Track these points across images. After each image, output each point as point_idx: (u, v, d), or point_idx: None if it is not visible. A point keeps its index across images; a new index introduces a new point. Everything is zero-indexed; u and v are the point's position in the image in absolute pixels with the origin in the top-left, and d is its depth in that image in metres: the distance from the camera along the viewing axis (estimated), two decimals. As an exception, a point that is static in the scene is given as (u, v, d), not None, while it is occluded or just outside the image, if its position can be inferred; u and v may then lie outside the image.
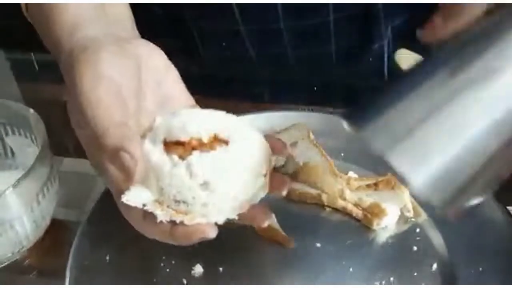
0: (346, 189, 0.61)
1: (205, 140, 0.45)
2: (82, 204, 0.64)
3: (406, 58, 0.44)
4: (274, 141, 0.49)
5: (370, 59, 0.81)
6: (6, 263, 0.59)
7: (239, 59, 0.83)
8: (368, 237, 0.60)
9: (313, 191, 0.63)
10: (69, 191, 0.65)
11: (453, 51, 0.40)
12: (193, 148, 0.44)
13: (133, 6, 0.56)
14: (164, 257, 0.58)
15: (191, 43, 0.82)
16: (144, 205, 0.44)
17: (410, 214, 0.60)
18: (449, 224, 0.58)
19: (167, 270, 0.57)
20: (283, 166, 0.65)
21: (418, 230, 0.59)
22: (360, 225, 0.61)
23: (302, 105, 0.74)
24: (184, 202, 0.44)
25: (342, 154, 0.67)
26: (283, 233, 0.59)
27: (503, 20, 0.39)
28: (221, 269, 0.57)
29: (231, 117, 0.47)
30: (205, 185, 0.44)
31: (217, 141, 0.45)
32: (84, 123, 0.45)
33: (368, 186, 0.62)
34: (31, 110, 0.62)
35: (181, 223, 0.44)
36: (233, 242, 0.59)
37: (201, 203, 0.44)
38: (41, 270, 0.61)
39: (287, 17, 0.76)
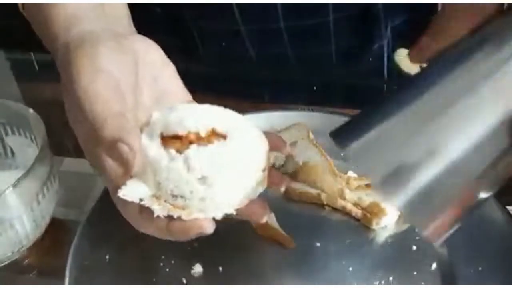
0: (346, 189, 0.61)
1: (203, 134, 0.44)
2: (82, 204, 0.64)
3: (406, 58, 0.44)
4: (273, 138, 0.49)
5: (370, 59, 0.81)
6: (6, 263, 0.59)
7: (239, 59, 0.83)
8: (368, 236, 0.60)
9: (313, 191, 0.63)
10: (69, 190, 0.65)
11: (437, 71, 0.41)
12: (191, 142, 0.44)
13: (133, 6, 0.56)
14: (163, 257, 0.58)
15: (191, 43, 0.82)
16: (141, 200, 0.43)
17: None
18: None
19: (167, 269, 0.57)
20: (282, 165, 0.65)
21: (417, 229, 0.59)
22: (359, 224, 0.61)
23: (302, 105, 0.74)
24: (181, 196, 0.44)
25: (342, 154, 0.66)
26: (282, 232, 0.59)
27: (486, 38, 0.39)
28: (220, 268, 0.57)
29: (229, 112, 0.47)
30: (203, 179, 0.43)
31: (215, 135, 0.44)
32: (82, 118, 0.45)
33: (367, 185, 0.62)
34: (31, 110, 0.62)
35: (178, 218, 0.44)
36: (233, 242, 0.59)
37: (198, 198, 0.44)
38: (40, 269, 0.61)
39: (287, 17, 0.76)
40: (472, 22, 0.40)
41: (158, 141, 0.45)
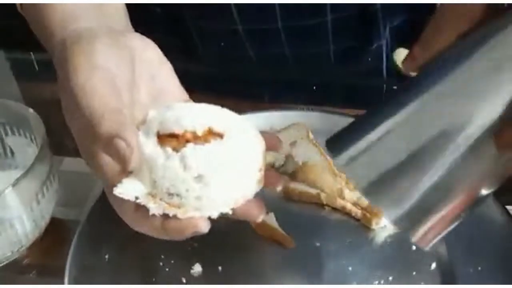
0: (345, 189, 0.61)
1: (200, 133, 0.44)
2: (81, 204, 0.64)
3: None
4: (268, 137, 0.49)
5: (369, 59, 0.81)
6: (5, 262, 0.59)
7: (238, 59, 0.83)
8: (367, 236, 0.60)
9: (312, 191, 0.63)
10: (68, 190, 0.65)
11: (424, 81, 0.41)
12: (187, 141, 0.43)
13: (133, 6, 0.56)
14: (163, 257, 0.58)
15: (191, 43, 0.82)
16: (136, 198, 0.43)
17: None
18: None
19: (166, 269, 0.57)
20: (282, 165, 0.65)
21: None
22: (359, 224, 0.61)
23: (301, 104, 0.74)
24: (177, 195, 0.43)
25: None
26: (282, 232, 0.59)
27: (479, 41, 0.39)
28: (220, 268, 0.57)
29: (226, 111, 0.47)
30: (199, 178, 0.43)
31: (211, 134, 0.44)
32: (78, 115, 0.44)
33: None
34: (31, 110, 0.62)
35: (174, 217, 0.43)
36: (233, 242, 0.59)
37: (194, 196, 0.43)
38: (40, 269, 0.61)
39: (285, 17, 0.76)
40: (459, 30, 0.40)
41: (154, 139, 0.45)
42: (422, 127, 0.39)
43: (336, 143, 0.43)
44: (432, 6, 0.43)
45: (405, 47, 0.80)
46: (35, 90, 0.84)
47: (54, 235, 0.63)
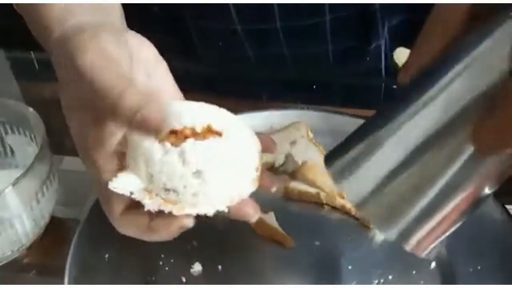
0: (345, 188, 0.61)
1: (199, 129, 0.43)
2: (81, 203, 0.64)
3: (405, 57, 0.44)
4: (263, 138, 0.49)
5: (368, 58, 0.81)
6: (5, 262, 0.59)
7: (237, 59, 0.83)
8: (367, 235, 0.60)
9: (312, 190, 0.63)
10: (68, 189, 0.65)
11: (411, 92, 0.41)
12: (185, 138, 0.43)
13: (132, 5, 0.56)
14: (163, 256, 0.58)
15: (190, 43, 0.82)
16: (131, 193, 0.43)
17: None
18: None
19: (166, 268, 0.57)
20: (282, 165, 0.65)
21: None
22: (358, 223, 0.61)
23: (301, 104, 0.74)
24: (174, 190, 0.43)
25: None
26: (282, 231, 0.59)
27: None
28: (220, 267, 0.57)
29: (224, 111, 0.47)
30: (197, 173, 0.43)
31: (210, 132, 0.44)
32: (88, 99, 0.44)
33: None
34: (31, 109, 0.62)
35: (161, 215, 0.43)
36: (232, 241, 0.59)
37: (191, 193, 0.43)
38: (40, 268, 0.61)
39: (283, 18, 0.76)
40: (445, 40, 0.40)
41: (151, 136, 0.44)
42: (410, 138, 0.39)
43: (330, 158, 0.43)
44: (430, 6, 0.43)
45: (404, 46, 0.80)
46: (35, 89, 0.84)
47: (54, 235, 0.63)
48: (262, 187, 0.47)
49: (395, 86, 0.77)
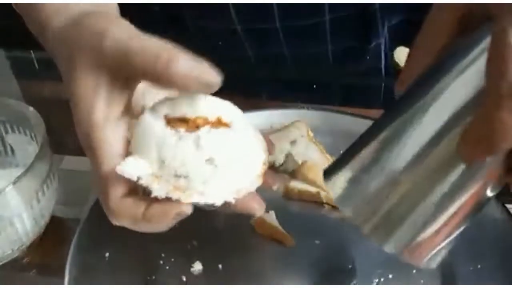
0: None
1: (211, 119, 0.43)
2: (81, 202, 0.64)
3: (405, 56, 0.45)
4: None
5: (368, 58, 0.81)
6: (5, 261, 0.59)
7: (237, 59, 0.83)
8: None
9: (312, 189, 0.63)
10: (68, 189, 0.65)
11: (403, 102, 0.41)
12: (197, 127, 0.43)
13: (132, 5, 0.56)
14: (163, 255, 0.58)
15: (190, 43, 0.82)
16: (139, 178, 0.42)
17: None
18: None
19: (167, 267, 0.57)
20: (282, 164, 0.65)
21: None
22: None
23: (301, 103, 0.74)
24: (185, 177, 0.42)
25: (342, 152, 0.67)
26: (282, 230, 0.59)
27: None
28: (220, 266, 0.57)
29: (231, 105, 0.47)
30: (210, 161, 0.42)
31: (220, 123, 0.44)
32: (117, 64, 0.43)
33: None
34: (31, 108, 0.62)
35: (157, 202, 0.43)
36: (233, 240, 0.59)
37: (202, 180, 0.43)
38: (40, 267, 0.61)
39: (282, 17, 0.76)
40: (436, 47, 0.41)
41: (162, 121, 0.44)
42: (410, 144, 0.39)
43: (329, 173, 0.43)
44: (430, 6, 0.43)
45: (404, 45, 0.81)
46: (35, 89, 0.84)
47: (54, 234, 0.63)
48: (264, 184, 0.47)
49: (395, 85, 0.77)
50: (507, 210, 0.59)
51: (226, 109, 0.46)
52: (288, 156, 0.65)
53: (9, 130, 0.65)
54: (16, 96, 0.78)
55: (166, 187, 0.42)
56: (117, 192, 0.43)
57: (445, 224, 0.41)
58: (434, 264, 0.43)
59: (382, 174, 0.40)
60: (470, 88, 0.37)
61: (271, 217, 0.59)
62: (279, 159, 0.65)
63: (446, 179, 0.39)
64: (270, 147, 0.50)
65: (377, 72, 0.83)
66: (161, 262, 0.58)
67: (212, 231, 0.60)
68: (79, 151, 0.47)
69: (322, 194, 0.62)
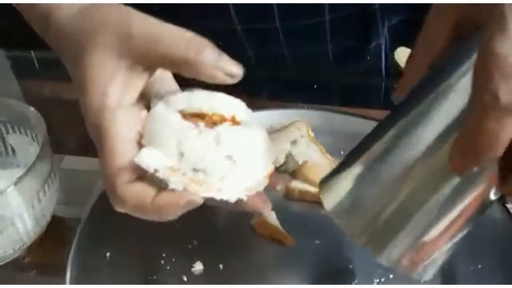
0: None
1: (228, 117, 0.44)
2: (82, 202, 0.64)
3: (406, 56, 0.45)
4: None
5: (368, 58, 0.82)
6: (6, 261, 0.59)
7: (237, 59, 0.82)
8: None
9: (313, 189, 0.63)
10: (69, 188, 0.65)
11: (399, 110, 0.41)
12: (214, 123, 0.43)
13: (132, 5, 0.56)
14: (164, 255, 0.58)
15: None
16: (156, 170, 0.41)
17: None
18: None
19: (167, 267, 0.57)
20: (282, 164, 0.65)
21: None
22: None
23: (301, 103, 0.74)
24: (203, 171, 0.42)
25: (342, 152, 0.67)
26: (282, 230, 0.59)
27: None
28: (221, 266, 0.57)
29: (243, 104, 0.47)
30: (228, 157, 0.43)
31: (234, 121, 0.44)
32: (135, 45, 0.43)
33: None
34: (32, 108, 0.62)
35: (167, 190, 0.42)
36: (233, 240, 0.59)
37: (220, 176, 0.43)
38: (41, 267, 0.61)
39: (282, 17, 0.76)
40: (431, 55, 0.41)
41: (178, 115, 0.44)
42: (409, 150, 0.39)
43: (325, 183, 0.44)
44: (430, 6, 0.43)
45: (404, 45, 0.81)
46: (36, 89, 0.84)
47: (55, 234, 0.63)
48: (270, 184, 0.48)
49: (395, 86, 0.77)
50: (507, 210, 0.59)
51: (239, 107, 0.46)
52: (289, 156, 0.65)
53: (10, 131, 0.65)
54: (16, 96, 0.78)
55: (184, 180, 0.42)
56: (126, 177, 0.42)
57: (445, 230, 0.41)
58: (429, 276, 0.43)
59: (379, 184, 0.40)
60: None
61: (272, 217, 0.59)
62: (280, 159, 0.65)
63: (446, 186, 0.39)
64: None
65: (378, 72, 0.83)
66: (162, 262, 0.58)
67: (212, 231, 0.60)
68: (80, 151, 0.47)
69: (323, 194, 0.62)
